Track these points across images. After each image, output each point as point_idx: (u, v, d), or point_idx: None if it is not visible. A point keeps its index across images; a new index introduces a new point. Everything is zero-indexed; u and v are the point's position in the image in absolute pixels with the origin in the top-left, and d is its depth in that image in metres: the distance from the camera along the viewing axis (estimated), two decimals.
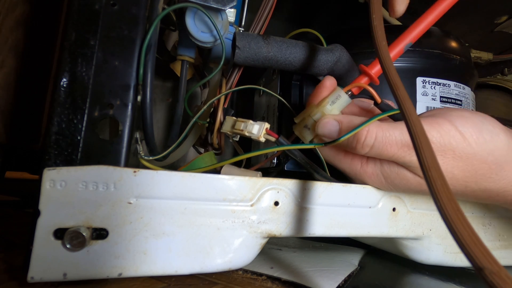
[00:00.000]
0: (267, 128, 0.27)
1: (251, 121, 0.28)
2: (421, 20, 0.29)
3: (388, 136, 0.25)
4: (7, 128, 0.35)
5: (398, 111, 0.28)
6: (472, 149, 0.25)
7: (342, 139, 0.26)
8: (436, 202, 0.14)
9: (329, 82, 0.30)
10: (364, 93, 0.28)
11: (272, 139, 0.28)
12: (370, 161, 0.29)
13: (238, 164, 0.38)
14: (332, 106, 0.28)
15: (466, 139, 0.25)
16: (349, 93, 0.28)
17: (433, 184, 0.14)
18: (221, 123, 0.31)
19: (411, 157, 0.26)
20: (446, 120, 0.26)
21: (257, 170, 0.33)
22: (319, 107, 0.28)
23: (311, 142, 0.29)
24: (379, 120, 0.26)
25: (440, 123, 0.25)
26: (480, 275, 0.12)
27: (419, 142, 0.16)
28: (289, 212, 0.28)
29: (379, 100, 0.27)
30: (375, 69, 0.28)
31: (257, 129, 0.28)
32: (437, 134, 0.25)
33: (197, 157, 0.30)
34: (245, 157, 0.27)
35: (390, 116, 0.28)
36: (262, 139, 0.27)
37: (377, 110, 0.28)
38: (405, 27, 0.30)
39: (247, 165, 0.40)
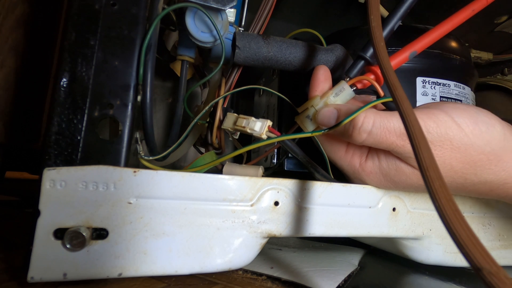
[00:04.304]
0: (269, 125, 0.27)
1: (253, 118, 0.27)
2: (429, 32, 0.29)
3: (387, 123, 0.25)
4: (7, 128, 0.35)
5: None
6: (469, 140, 0.25)
7: (340, 125, 0.26)
8: (434, 202, 0.14)
9: (322, 70, 0.29)
10: (368, 92, 0.28)
11: (274, 136, 0.27)
12: (369, 159, 0.29)
13: (239, 161, 0.38)
14: (336, 98, 0.28)
15: (462, 130, 0.25)
16: (354, 88, 0.28)
17: (431, 184, 0.14)
18: (221, 122, 0.31)
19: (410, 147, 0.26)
20: (442, 111, 0.26)
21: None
22: (323, 98, 0.28)
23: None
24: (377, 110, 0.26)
25: (436, 114, 0.25)
26: (479, 275, 0.12)
27: (417, 142, 0.16)
28: (289, 212, 0.28)
29: (382, 93, 0.27)
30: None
31: (259, 126, 0.27)
32: (434, 124, 0.25)
33: (198, 157, 0.30)
34: (244, 150, 0.27)
35: (386, 106, 0.28)
36: (264, 137, 0.27)
37: (381, 105, 0.28)
38: (407, 27, 0.30)
39: (247, 163, 0.40)
